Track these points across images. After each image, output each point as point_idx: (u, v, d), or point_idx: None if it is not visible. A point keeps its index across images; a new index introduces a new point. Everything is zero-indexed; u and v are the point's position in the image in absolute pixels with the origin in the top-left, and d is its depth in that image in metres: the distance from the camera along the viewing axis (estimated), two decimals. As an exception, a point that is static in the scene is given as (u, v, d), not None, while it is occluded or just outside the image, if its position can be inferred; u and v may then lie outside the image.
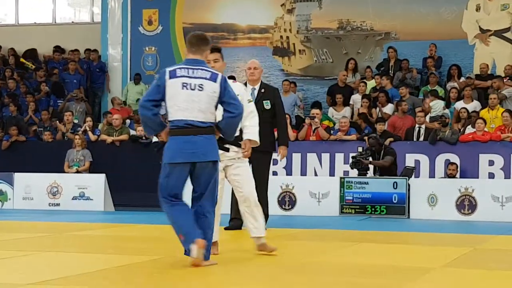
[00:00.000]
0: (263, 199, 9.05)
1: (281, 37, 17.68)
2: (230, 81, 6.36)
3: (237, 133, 6.50)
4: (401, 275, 5.99)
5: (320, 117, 14.65)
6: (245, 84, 9.34)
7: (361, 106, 15.14)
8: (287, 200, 13.08)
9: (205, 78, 6.02)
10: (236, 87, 6.67)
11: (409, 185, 12.53)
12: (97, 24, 18.87)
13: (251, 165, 8.98)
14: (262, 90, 9.25)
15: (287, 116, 14.46)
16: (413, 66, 16.14)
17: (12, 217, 12.09)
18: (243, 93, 6.89)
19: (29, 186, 14.30)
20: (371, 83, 15.91)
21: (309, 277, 5.86)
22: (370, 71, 16.24)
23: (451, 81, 15.64)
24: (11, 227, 10.36)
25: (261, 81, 9.41)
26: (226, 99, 6.03)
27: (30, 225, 10.66)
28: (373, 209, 12.59)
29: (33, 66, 18.51)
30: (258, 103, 8.95)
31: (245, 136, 6.83)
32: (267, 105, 9.19)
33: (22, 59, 18.73)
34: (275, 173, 14.02)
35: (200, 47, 6.18)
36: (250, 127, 6.86)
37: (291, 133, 14.33)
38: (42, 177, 14.29)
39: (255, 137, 6.87)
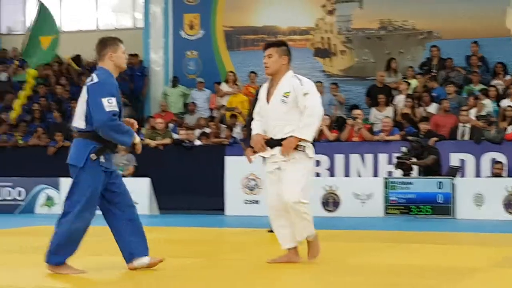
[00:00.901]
0: None
1: (322, 38, 17.64)
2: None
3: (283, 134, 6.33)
4: (447, 275, 5.94)
5: (362, 117, 14.60)
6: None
7: (405, 106, 15.04)
8: (331, 201, 13.05)
9: (85, 85, 6.10)
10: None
11: (454, 184, 12.42)
12: (139, 29, 19.05)
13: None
14: None
15: (327, 117, 14.48)
16: (455, 65, 15.99)
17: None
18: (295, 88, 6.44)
19: (76, 191, 14.46)
20: (413, 83, 15.79)
21: (354, 278, 5.85)
22: (411, 70, 16.12)
23: (496, 79, 15.44)
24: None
25: None
26: (90, 106, 5.98)
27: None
28: (418, 209, 12.50)
29: (79, 69, 18.73)
30: None
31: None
32: None
33: (69, 59, 18.95)
34: (318, 175, 14.01)
35: (98, 53, 6.20)
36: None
37: (330, 134, 14.30)
38: (88, 182, 14.43)
39: (299, 133, 6.31)
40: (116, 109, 5.98)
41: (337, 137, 14.41)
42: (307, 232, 6.51)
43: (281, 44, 6.64)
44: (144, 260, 6.12)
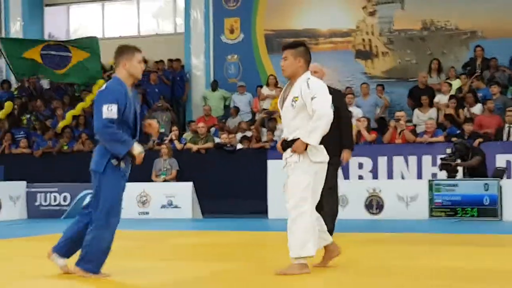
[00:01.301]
0: (330, 210, 8.92)
1: (363, 40, 17.55)
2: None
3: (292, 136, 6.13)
4: (494, 278, 5.86)
5: (405, 119, 14.47)
6: None
7: (448, 106, 14.87)
8: (375, 204, 12.96)
9: None
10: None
11: (500, 186, 12.24)
12: (180, 34, 19.16)
13: None
14: None
15: (365, 119, 14.39)
16: (500, 65, 15.77)
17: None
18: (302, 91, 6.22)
19: (119, 196, 14.58)
20: (456, 83, 15.61)
21: (400, 281, 5.79)
22: (454, 71, 15.94)
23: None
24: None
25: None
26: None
27: (122, 234, 10.86)
28: (463, 211, 12.34)
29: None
30: None
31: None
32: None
33: (111, 62, 19.12)
34: (361, 177, 13.92)
35: (115, 60, 6.23)
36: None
37: (368, 135, 14.19)
38: (131, 186, 14.49)
39: (305, 138, 6.12)
40: (115, 116, 5.93)
41: (376, 138, 14.31)
42: (295, 250, 6.01)
43: (297, 45, 6.41)
44: (60, 261, 6.28)
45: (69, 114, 17.64)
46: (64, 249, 6.29)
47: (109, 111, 5.91)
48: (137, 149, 6.07)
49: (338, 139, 8.98)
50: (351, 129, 9.53)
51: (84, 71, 17.08)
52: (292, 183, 6.08)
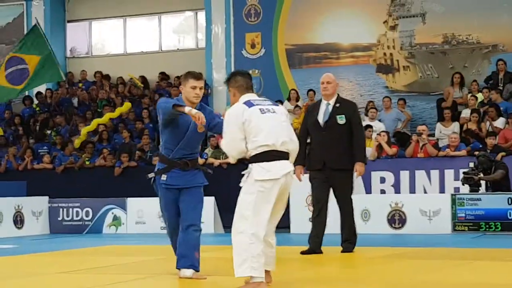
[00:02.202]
0: (347, 223, 8.91)
1: (385, 54, 17.52)
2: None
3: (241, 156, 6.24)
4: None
5: (427, 133, 14.40)
6: (320, 99, 9.15)
7: (470, 120, 14.79)
8: (397, 218, 12.89)
9: None
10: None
11: (524, 200, 12.13)
12: (201, 49, 19.24)
13: (330, 185, 8.86)
14: (337, 105, 8.91)
15: (385, 133, 14.34)
16: (522, 79, 15.69)
17: (126, 242, 12.39)
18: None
19: (142, 211, 14.62)
20: (479, 97, 15.53)
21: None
22: (476, 84, 15.86)
23: None
24: (126, 251, 10.61)
25: (338, 96, 9.07)
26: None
27: (143, 249, 10.89)
28: (487, 226, 12.24)
29: (142, 85, 18.98)
30: (331, 118, 8.83)
31: None
32: (341, 119, 8.83)
33: (130, 74, 19.22)
34: (383, 191, 13.86)
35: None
36: None
37: (389, 149, 14.14)
38: (153, 201, 14.55)
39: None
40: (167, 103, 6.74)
41: (398, 152, 14.25)
42: (235, 269, 5.96)
43: (228, 78, 6.51)
44: (186, 272, 6.71)
45: (84, 130, 17.74)
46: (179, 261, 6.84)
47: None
48: (187, 108, 6.58)
49: (349, 152, 8.89)
50: (363, 141, 9.29)
51: (43, 74, 17.16)
52: (237, 203, 6.16)
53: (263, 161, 6.01)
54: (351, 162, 8.89)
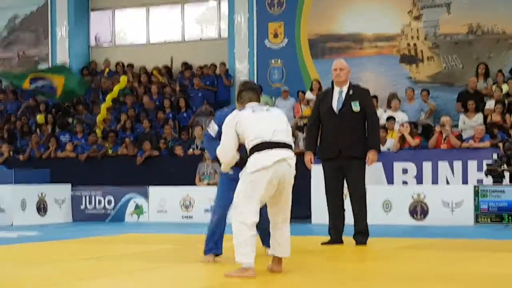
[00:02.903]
0: (360, 213, 8.75)
1: (408, 44, 17.39)
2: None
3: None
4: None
5: (451, 124, 14.30)
6: (332, 85, 9.00)
7: (494, 111, 14.67)
8: (419, 209, 12.83)
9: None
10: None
11: (548, 192, 12.03)
12: (224, 39, 19.22)
13: (344, 174, 8.73)
14: (350, 92, 8.72)
15: (407, 124, 14.24)
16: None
17: (148, 230, 12.45)
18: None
19: (163, 200, 14.68)
20: (504, 88, 15.38)
21: (450, 286, 5.72)
22: (501, 75, 15.71)
23: None
24: (148, 239, 10.66)
25: (350, 83, 8.85)
26: None
27: (165, 238, 10.93)
28: (510, 217, 12.15)
29: (162, 81, 19.05)
30: (345, 105, 8.66)
31: None
32: (355, 106, 8.63)
33: (155, 72, 19.32)
34: (405, 183, 13.80)
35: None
36: None
37: (412, 140, 14.05)
38: (175, 190, 14.66)
39: None
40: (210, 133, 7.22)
41: (420, 143, 14.18)
42: (236, 254, 6.16)
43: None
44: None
45: (103, 107, 17.97)
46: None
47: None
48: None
49: (364, 140, 8.71)
50: (377, 129, 9.04)
51: (70, 93, 18.32)
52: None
53: (255, 153, 6.15)
54: (366, 150, 8.71)
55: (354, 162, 8.66)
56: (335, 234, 8.78)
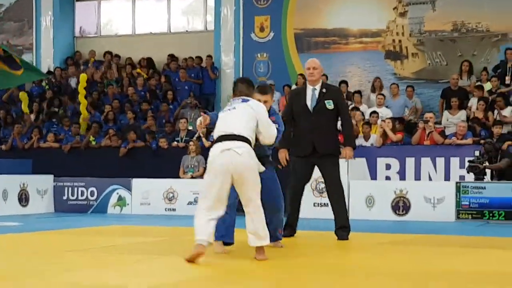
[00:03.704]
0: (340, 208, 8.82)
1: (394, 40, 17.46)
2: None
3: None
4: (523, 282, 5.80)
5: (434, 120, 14.39)
6: (305, 84, 9.16)
7: (477, 109, 14.76)
8: (401, 205, 12.90)
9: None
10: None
11: (529, 189, 12.13)
12: (210, 32, 19.20)
13: (312, 171, 8.97)
14: (324, 90, 8.87)
15: (389, 120, 14.31)
16: (531, 68, 15.62)
17: (131, 222, 12.44)
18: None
19: (147, 192, 14.67)
20: (487, 86, 15.48)
21: (428, 284, 5.76)
22: (486, 73, 15.81)
23: None
24: (131, 231, 10.66)
25: (322, 81, 9.05)
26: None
27: (148, 230, 10.93)
28: (491, 214, 12.26)
29: (146, 76, 19.01)
30: (319, 103, 8.82)
31: None
32: (329, 105, 8.79)
33: (138, 70, 19.28)
34: (388, 178, 13.87)
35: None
36: None
37: (394, 136, 14.14)
38: (158, 182, 14.64)
39: None
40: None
41: (403, 138, 14.26)
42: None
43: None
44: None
45: (82, 107, 17.86)
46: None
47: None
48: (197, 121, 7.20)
49: (337, 137, 8.96)
50: (351, 126, 9.34)
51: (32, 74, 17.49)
52: None
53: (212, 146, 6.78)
54: (339, 148, 8.96)
55: (328, 159, 8.79)
56: (290, 228, 8.93)
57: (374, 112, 14.98)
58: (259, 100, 7.25)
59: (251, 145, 6.71)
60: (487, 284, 5.73)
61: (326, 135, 8.79)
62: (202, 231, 6.55)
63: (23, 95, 18.76)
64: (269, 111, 7.31)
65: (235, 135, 6.64)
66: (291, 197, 9.01)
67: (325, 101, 8.80)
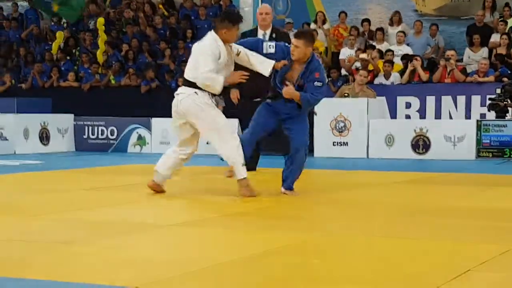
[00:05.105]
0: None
1: (415, -24, 17.12)
2: None
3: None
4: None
5: (456, 58, 14.20)
6: (256, 29, 9.51)
7: (500, 45, 14.53)
8: (421, 144, 12.84)
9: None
10: None
11: (550, 127, 12.02)
12: (228, -31, 18.91)
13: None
14: (273, 35, 9.26)
15: (419, 58, 14.13)
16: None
17: (151, 161, 12.47)
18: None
19: (166, 131, 14.68)
20: (510, 21, 15.19)
21: (448, 220, 5.76)
22: (508, 9, 15.50)
23: None
24: (151, 170, 10.70)
25: (273, 26, 9.46)
26: None
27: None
28: (511, 152, 12.18)
29: (167, 14, 18.86)
30: None
31: None
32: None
33: (160, 6, 19.11)
34: (408, 117, 13.78)
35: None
36: None
37: (424, 74, 14.00)
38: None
39: None
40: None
41: (428, 78, 14.12)
42: None
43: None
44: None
45: (99, 52, 17.83)
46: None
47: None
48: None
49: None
50: None
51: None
52: None
53: None
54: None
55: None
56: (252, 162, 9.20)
57: (389, 50, 14.81)
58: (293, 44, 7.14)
59: (195, 87, 6.90)
60: (503, 221, 5.71)
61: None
62: (160, 168, 7.35)
63: (59, 34, 18.80)
64: (310, 62, 7.10)
65: (184, 79, 7.04)
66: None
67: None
